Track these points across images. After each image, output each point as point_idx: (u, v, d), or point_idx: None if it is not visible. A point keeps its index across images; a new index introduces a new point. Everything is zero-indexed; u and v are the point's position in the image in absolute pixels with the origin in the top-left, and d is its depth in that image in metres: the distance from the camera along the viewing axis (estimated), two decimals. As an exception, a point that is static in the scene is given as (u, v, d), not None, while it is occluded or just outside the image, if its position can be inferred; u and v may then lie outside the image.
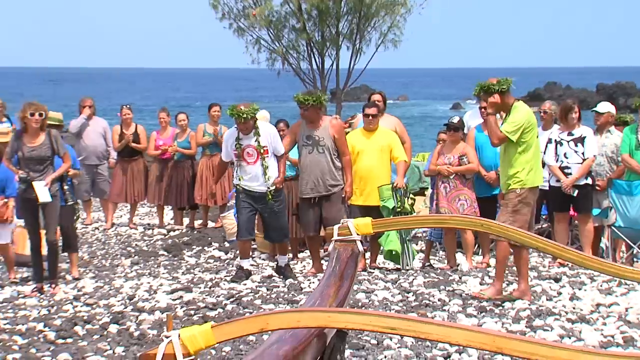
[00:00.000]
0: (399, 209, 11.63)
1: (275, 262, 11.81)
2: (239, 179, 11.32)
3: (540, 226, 13.67)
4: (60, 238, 11.45)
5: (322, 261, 11.83)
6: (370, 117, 11.99)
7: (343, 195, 11.66)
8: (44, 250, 11.00)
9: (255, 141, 11.21)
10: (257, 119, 11.32)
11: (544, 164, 12.10)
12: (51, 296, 10.55)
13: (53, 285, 10.92)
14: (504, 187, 9.93)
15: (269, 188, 11.20)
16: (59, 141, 10.86)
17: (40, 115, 10.68)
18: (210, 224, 16.17)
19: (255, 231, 12.05)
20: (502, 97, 9.83)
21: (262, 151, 11.20)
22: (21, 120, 10.74)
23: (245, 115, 11.08)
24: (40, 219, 10.86)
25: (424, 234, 13.86)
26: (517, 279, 10.04)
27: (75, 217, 11.97)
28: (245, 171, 11.27)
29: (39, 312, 9.61)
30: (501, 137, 9.78)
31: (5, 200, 11.48)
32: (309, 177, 11.50)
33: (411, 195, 12.11)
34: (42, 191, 10.60)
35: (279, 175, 11.32)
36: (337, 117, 13.99)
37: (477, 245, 12.75)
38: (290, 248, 12.58)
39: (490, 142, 10.21)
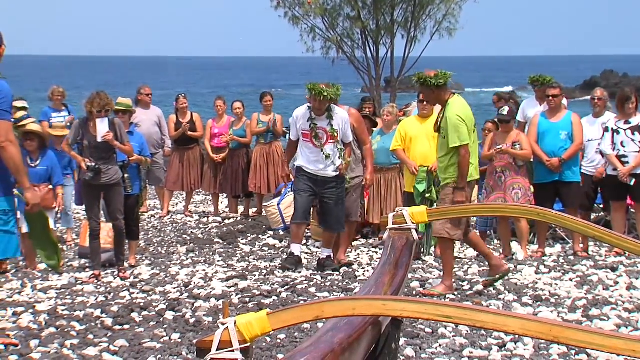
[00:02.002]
0: (428, 195, 11.52)
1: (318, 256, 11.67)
2: (304, 161, 11.13)
3: (596, 215, 13.55)
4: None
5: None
6: (425, 103, 11.94)
7: (363, 184, 11.62)
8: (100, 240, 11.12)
9: (328, 124, 10.99)
10: (332, 103, 11.08)
11: (601, 153, 12.03)
12: (108, 283, 10.66)
13: (123, 271, 11.06)
14: (442, 180, 9.87)
15: (339, 172, 11.01)
16: (122, 130, 10.99)
17: (107, 112, 10.82)
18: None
19: (310, 219, 12.03)
20: (437, 92, 9.79)
21: (334, 134, 10.98)
22: (88, 111, 10.85)
23: (325, 94, 10.84)
24: (101, 206, 10.99)
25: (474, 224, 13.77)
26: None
27: (138, 205, 12.08)
28: (312, 153, 11.07)
29: (96, 299, 9.71)
30: (461, 153, 9.58)
31: (51, 187, 11.59)
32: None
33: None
34: (102, 127, 10.71)
35: (343, 162, 11.10)
36: (393, 106, 13.96)
37: (532, 234, 12.67)
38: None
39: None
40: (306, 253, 12.30)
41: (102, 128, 10.76)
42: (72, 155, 11.04)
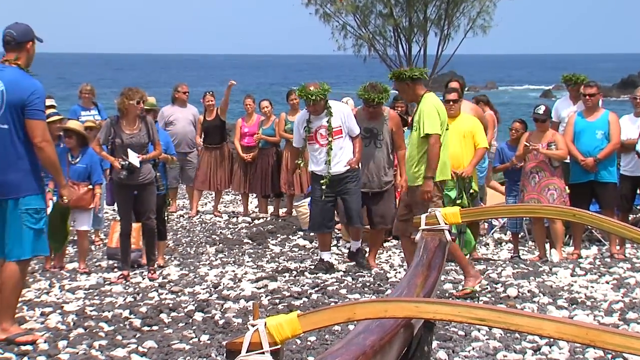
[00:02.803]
0: (459, 202, 11.42)
1: (348, 248, 11.75)
2: (314, 164, 11.13)
3: (634, 216, 13.48)
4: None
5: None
6: (451, 103, 11.90)
7: (399, 190, 11.51)
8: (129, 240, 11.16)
9: (327, 122, 10.97)
10: (327, 99, 11.05)
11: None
12: (136, 284, 10.71)
13: (152, 271, 11.11)
14: (411, 180, 9.87)
15: (350, 167, 10.97)
16: (153, 128, 11.03)
17: (143, 102, 10.88)
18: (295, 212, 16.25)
19: (337, 219, 12.02)
20: (412, 86, 9.84)
21: (333, 132, 10.95)
22: (121, 107, 10.86)
23: (314, 97, 10.84)
24: (132, 206, 11.03)
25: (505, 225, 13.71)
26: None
27: (166, 205, 12.11)
28: (320, 154, 11.06)
29: (124, 299, 9.75)
30: (431, 142, 9.66)
31: (91, 187, 11.61)
32: (361, 172, 11.29)
33: (475, 187, 11.81)
34: (134, 156, 10.76)
35: (354, 156, 11.04)
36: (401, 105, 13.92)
37: (567, 236, 12.62)
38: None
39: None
40: (337, 254, 12.31)
41: (132, 156, 10.78)
42: (102, 155, 11.06)
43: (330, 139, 10.98)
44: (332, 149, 10.96)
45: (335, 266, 11.32)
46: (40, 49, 8.04)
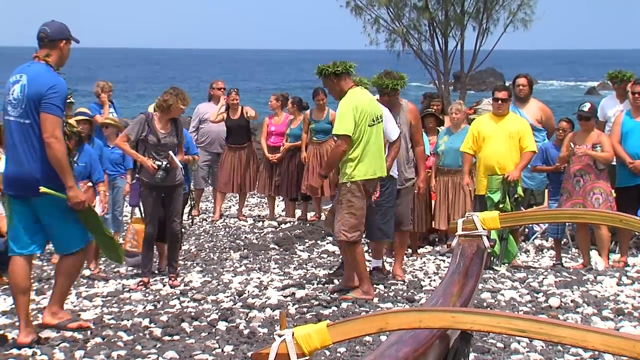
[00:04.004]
0: (502, 205, 11.36)
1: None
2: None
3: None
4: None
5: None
6: (500, 102, 11.84)
7: (415, 191, 11.31)
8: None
9: None
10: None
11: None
12: (157, 291, 10.74)
13: (172, 277, 11.13)
14: (340, 177, 9.94)
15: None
16: (181, 129, 11.11)
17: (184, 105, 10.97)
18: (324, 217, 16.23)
19: None
20: (337, 82, 9.84)
21: None
22: (165, 106, 10.87)
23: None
24: (160, 208, 11.05)
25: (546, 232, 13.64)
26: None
27: (190, 206, 12.17)
28: None
29: (144, 307, 9.78)
30: (337, 143, 9.76)
31: (91, 185, 11.62)
32: None
33: (520, 192, 11.74)
34: (174, 157, 10.86)
35: (386, 163, 10.30)
36: (461, 103, 13.87)
37: (613, 243, 12.55)
38: (410, 242, 12.56)
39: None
40: (367, 261, 12.29)
41: (173, 156, 10.86)
42: (129, 153, 11.04)
43: None
44: None
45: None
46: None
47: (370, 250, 11.58)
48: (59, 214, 8.03)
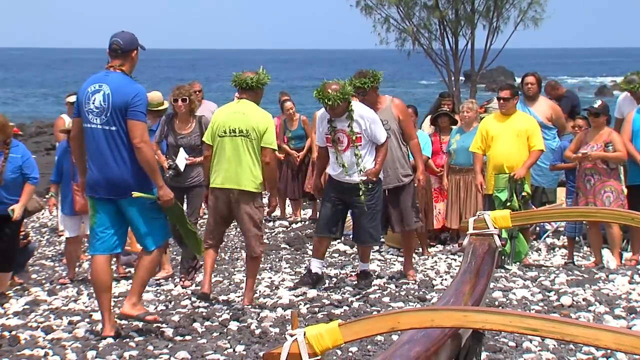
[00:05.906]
0: (509, 204, 11.33)
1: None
2: (330, 167, 10.52)
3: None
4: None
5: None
6: (502, 101, 11.85)
7: (415, 185, 11.11)
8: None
9: (348, 126, 10.20)
10: (350, 102, 10.23)
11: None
12: (168, 291, 10.75)
13: (184, 278, 11.13)
14: None
15: (361, 181, 10.19)
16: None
17: (184, 100, 10.91)
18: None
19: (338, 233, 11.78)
20: (260, 92, 10.07)
21: (354, 138, 10.18)
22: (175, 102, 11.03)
23: (331, 102, 10.05)
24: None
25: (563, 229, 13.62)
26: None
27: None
28: (336, 159, 10.33)
29: (155, 308, 9.79)
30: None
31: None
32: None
33: (527, 190, 11.70)
34: (182, 158, 10.87)
35: (375, 167, 10.26)
36: (473, 102, 13.86)
37: (625, 241, 12.53)
38: (419, 242, 12.56)
39: None
40: (379, 260, 12.30)
41: (181, 157, 10.86)
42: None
43: (356, 144, 10.25)
44: (361, 157, 10.22)
45: (378, 273, 11.30)
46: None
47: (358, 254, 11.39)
48: (145, 212, 8.38)
